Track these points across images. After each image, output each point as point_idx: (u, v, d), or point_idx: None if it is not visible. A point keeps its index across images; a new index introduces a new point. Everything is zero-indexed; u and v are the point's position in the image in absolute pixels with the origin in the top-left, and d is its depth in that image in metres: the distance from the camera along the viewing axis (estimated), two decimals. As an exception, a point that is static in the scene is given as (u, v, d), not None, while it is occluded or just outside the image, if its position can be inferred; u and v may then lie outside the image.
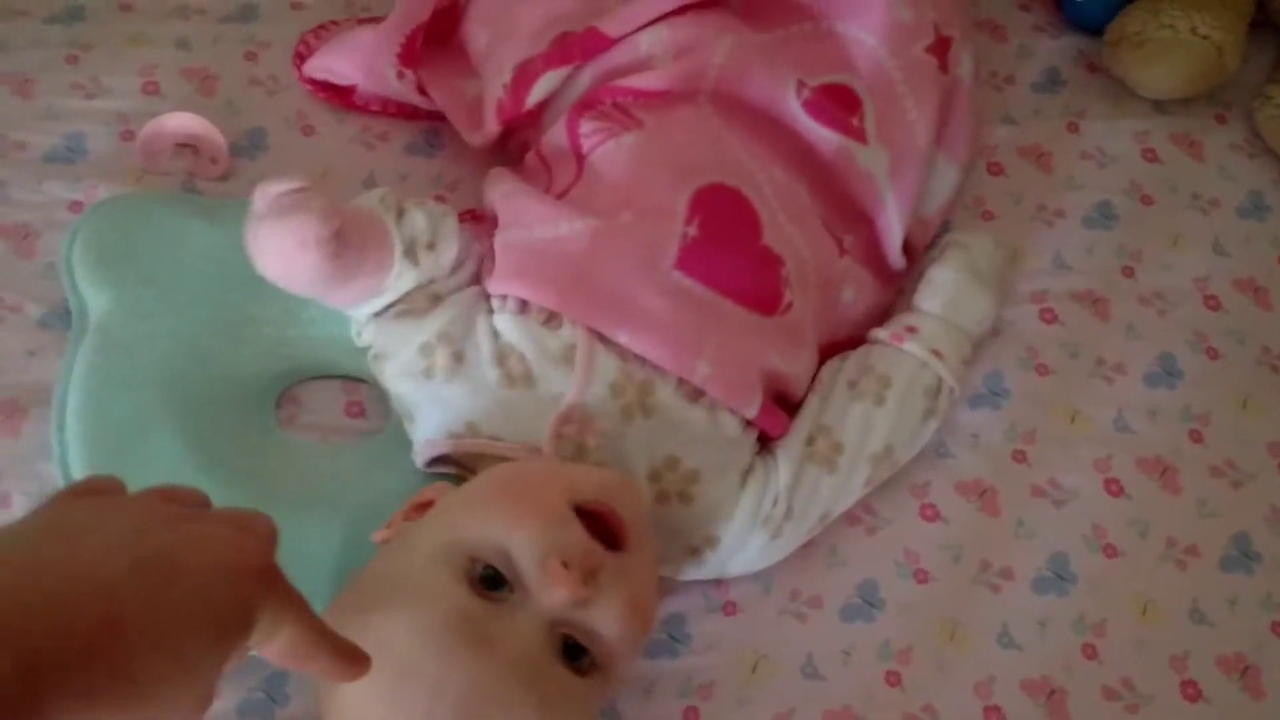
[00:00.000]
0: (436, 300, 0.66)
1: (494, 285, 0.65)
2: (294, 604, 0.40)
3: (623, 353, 0.64)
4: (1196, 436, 0.75)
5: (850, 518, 0.69)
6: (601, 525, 0.55)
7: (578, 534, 0.54)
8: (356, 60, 0.80)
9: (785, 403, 0.69)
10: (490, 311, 0.66)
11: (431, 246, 0.65)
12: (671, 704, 0.64)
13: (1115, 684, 0.66)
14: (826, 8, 0.75)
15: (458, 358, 0.64)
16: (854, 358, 0.71)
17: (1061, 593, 0.69)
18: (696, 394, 0.64)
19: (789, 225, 0.70)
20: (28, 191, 0.76)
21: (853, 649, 0.66)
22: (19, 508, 0.65)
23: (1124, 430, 0.75)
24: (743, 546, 0.65)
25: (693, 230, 0.66)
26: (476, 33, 0.80)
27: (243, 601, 0.37)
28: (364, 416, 0.72)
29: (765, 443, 0.69)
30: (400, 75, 0.79)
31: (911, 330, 0.71)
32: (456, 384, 0.64)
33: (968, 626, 0.67)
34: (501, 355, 0.64)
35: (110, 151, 0.78)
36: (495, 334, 0.65)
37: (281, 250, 0.59)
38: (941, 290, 0.73)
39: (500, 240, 0.67)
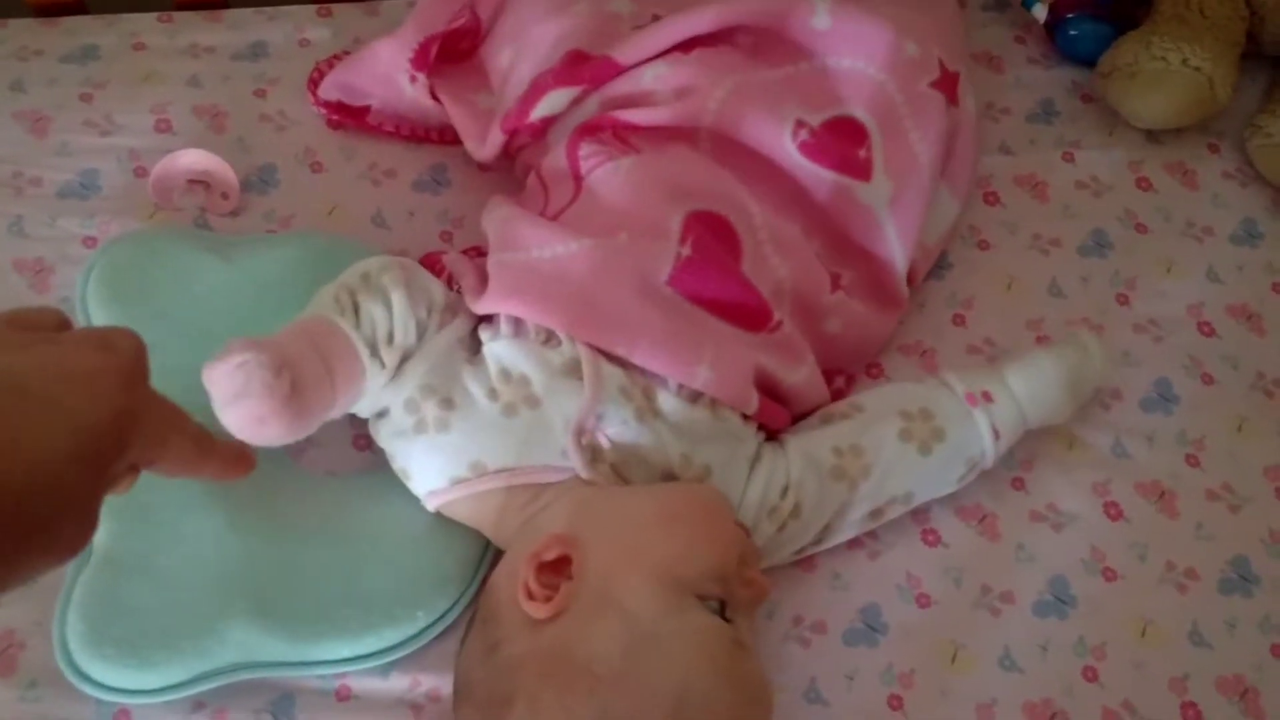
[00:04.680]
0: (408, 356, 0.65)
1: (486, 304, 0.66)
2: (168, 414, 0.40)
3: (623, 363, 0.65)
4: (1193, 461, 0.76)
5: (852, 542, 0.70)
6: None
7: (751, 543, 0.63)
8: (369, 70, 0.83)
9: (788, 407, 0.71)
10: (472, 350, 0.66)
11: (390, 339, 0.64)
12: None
13: (1116, 706, 0.67)
14: (833, 44, 0.77)
15: (447, 405, 0.64)
16: (915, 391, 0.71)
17: (1062, 615, 0.69)
18: (696, 395, 0.66)
19: (774, 257, 0.71)
20: (43, 227, 0.77)
21: (856, 673, 0.67)
22: (34, 538, 0.66)
23: (1121, 455, 0.76)
24: (755, 536, 0.65)
25: (686, 250, 0.68)
26: (499, 50, 0.82)
27: (108, 414, 0.36)
28: (371, 449, 0.73)
29: (774, 435, 0.70)
30: (413, 79, 0.81)
31: (987, 398, 0.70)
32: (453, 431, 0.64)
33: (969, 650, 0.68)
34: (499, 384, 0.64)
35: (123, 187, 0.80)
36: (488, 365, 0.65)
37: (245, 429, 0.58)
38: (1036, 380, 0.70)
39: (494, 261, 0.68)
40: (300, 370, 0.59)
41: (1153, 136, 0.90)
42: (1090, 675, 0.68)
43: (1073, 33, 0.92)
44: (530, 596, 0.57)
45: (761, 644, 0.67)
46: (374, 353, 0.63)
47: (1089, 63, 0.91)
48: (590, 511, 0.61)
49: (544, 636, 0.56)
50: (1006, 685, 0.67)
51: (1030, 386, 0.70)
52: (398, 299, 0.64)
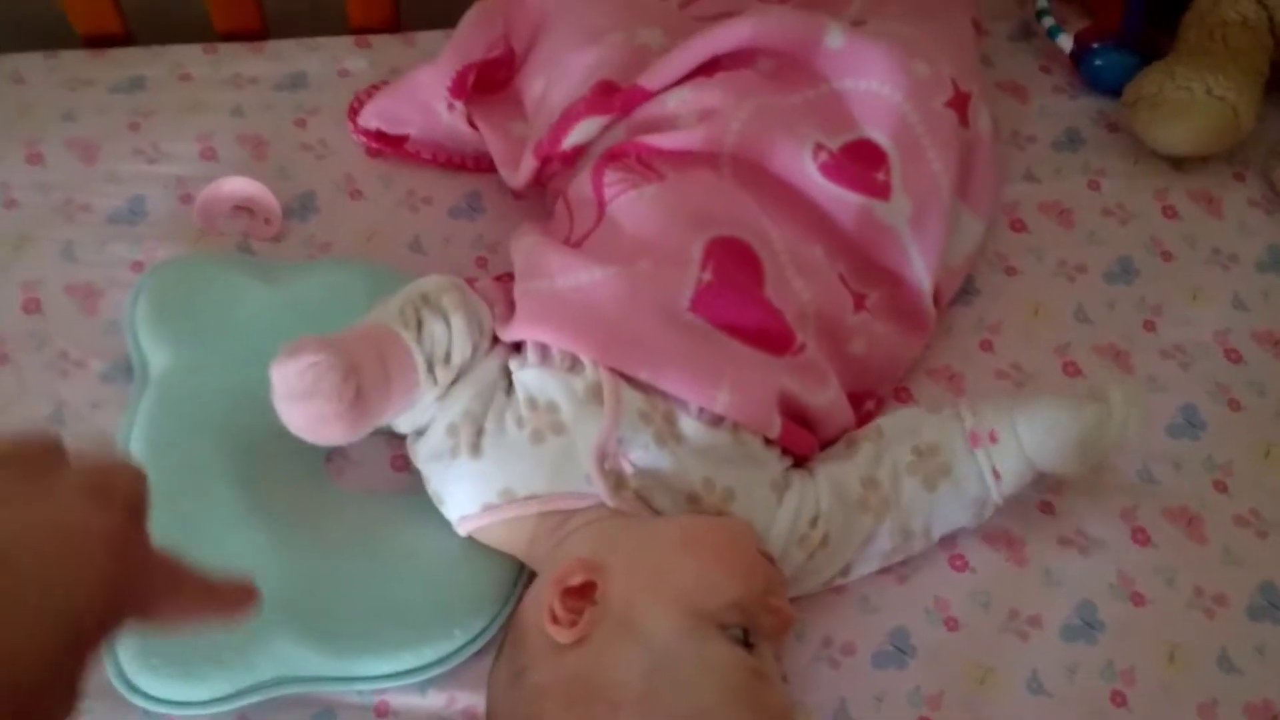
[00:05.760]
0: (458, 375, 0.67)
1: (513, 332, 0.68)
2: (167, 573, 0.36)
3: (645, 387, 0.66)
4: (1220, 487, 0.76)
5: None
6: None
7: (776, 571, 0.63)
8: (409, 98, 0.85)
9: (812, 431, 0.71)
10: (508, 379, 0.68)
11: (447, 359, 0.65)
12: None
13: (1144, 731, 0.67)
14: (847, 68, 0.78)
15: (481, 431, 0.66)
16: (929, 423, 0.70)
17: (1090, 640, 0.70)
18: (717, 419, 0.67)
19: (797, 280, 0.72)
20: (92, 252, 0.80)
21: (884, 695, 0.68)
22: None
23: (1148, 481, 0.76)
24: (783, 564, 0.66)
25: (707, 275, 0.69)
26: (533, 79, 0.84)
27: (99, 590, 0.33)
28: (408, 470, 0.74)
29: (802, 461, 0.71)
30: (450, 107, 0.83)
31: (992, 439, 0.69)
32: (484, 458, 0.66)
33: (998, 673, 0.69)
34: (526, 412, 0.66)
35: (169, 214, 0.82)
36: (517, 394, 0.66)
37: (307, 427, 0.61)
38: (1045, 432, 0.68)
39: (520, 289, 0.70)
40: (364, 378, 0.61)
41: (1178, 165, 0.91)
42: (1119, 700, 0.68)
43: (1098, 63, 0.94)
44: (555, 621, 0.58)
45: (791, 665, 0.68)
46: (430, 369, 0.65)
47: (1114, 92, 0.92)
48: (616, 537, 0.62)
49: (567, 662, 0.57)
50: (1034, 709, 0.67)
51: (1037, 437, 0.68)
52: (457, 320, 0.66)
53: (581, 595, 0.59)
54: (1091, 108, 0.95)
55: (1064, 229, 0.88)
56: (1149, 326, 0.83)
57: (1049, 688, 0.68)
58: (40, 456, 0.36)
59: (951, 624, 0.70)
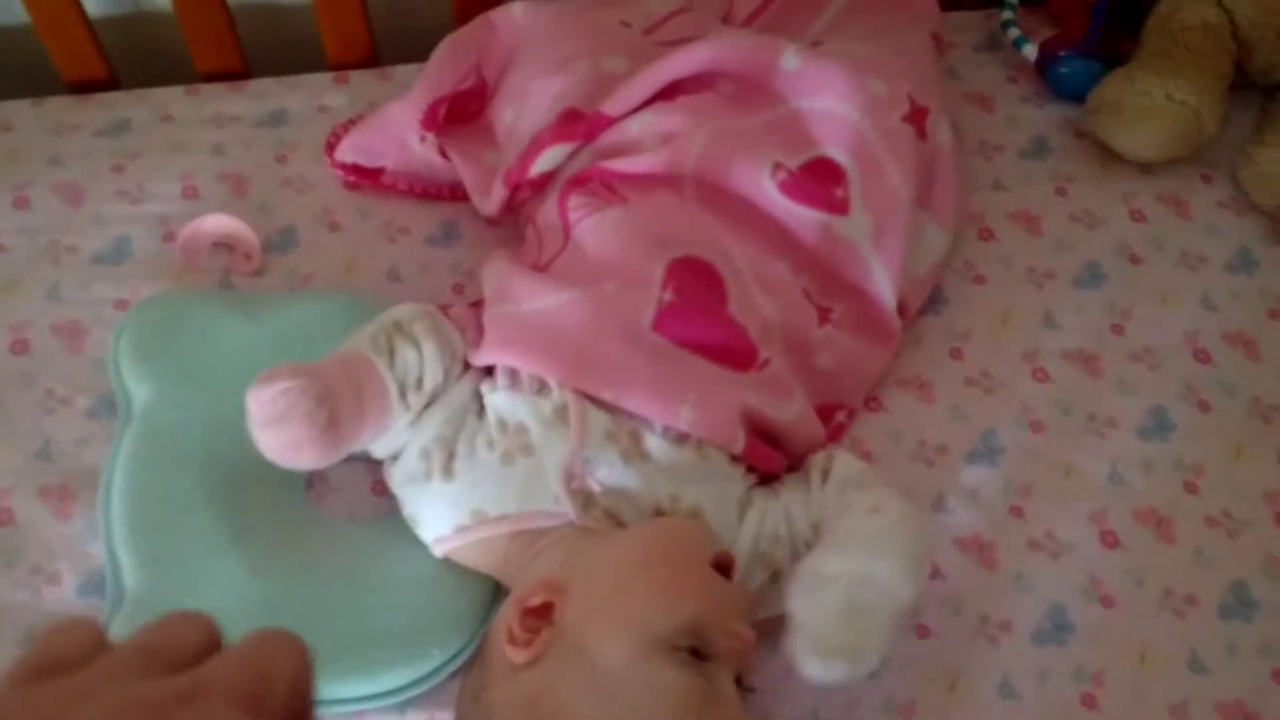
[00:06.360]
0: (430, 400, 0.69)
1: (481, 356, 0.70)
2: None
3: (611, 407, 0.68)
4: (1191, 487, 0.77)
5: (852, 575, 0.72)
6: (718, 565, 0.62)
7: (734, 590, 0.62)
8: (383, 131, 0.87)
9: (780, 447, 0.72)
10: (479, 402, 0.69)
11: (419, 384, 0.67)
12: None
13: (1116, 732, 0.68)
14: (804, 88, 0.80)
15: (453, 455, 0.68)
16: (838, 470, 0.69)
17: (1060, 643, 0.71)
18: (683, 437, 0.68)
19: (760, 296, 0.74)
20: (78, 291, 0.82)
21: (857, 703, 0.68)
22: (69, 585, 0.70)
23: (1119, 483, 0.77)
24: (746, 582, 0.67)
25: (668, 295, 0.71)
26: (504, 109, 0.86)
27: None
28: (388, 495, 0.76)
29: (770, 479, 0.72)
30: (423, 139, 0.85)
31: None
32: (456, 480, 0.67)
33: (969, 678, 0.69)
34: (497, 434, 0.67)
35: (153, 252, 0.85)
36: (489, 417, 0.68)
37: (282, 452, 0.62)
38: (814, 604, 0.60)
39: (489, 315, 0.72)
40: (338, 403, 0.63)
41: (1145, 169, 0.92)
42: (1090, 702, 0.69)
43: (1063, 70, 0.95)
44: (512, 641, 0.59)
45: (763, 673, 0.69)
46: (402, 395, 0.67)
47: (1080, 100, 0.93)
48: (579, 557, 0.63)
49: (520, 682, 0.58)
50: (1006, 713, 0.68)
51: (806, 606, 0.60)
52: (428, 347, 0.68)
53: (541, 615, 0.60)
54: (1058, 116, 0.96)
55: (1032, 236, 0.89)
56: (1118, 330, 0.84)
57: (1020, 692, 0.69)
58: (190, 646, 0.30)
59: (923, 631, 0.71)
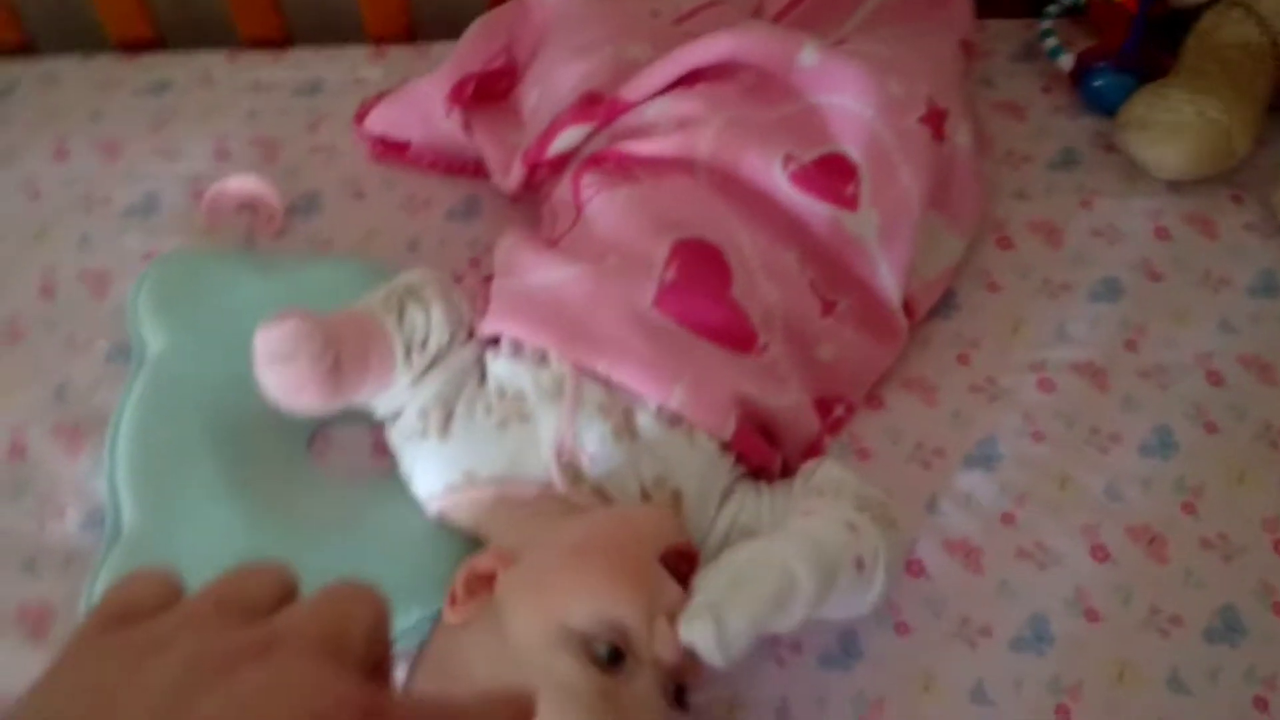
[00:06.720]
0: (433, 362, 0.70)
1: (486, 325, 0.71)
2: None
3: (606, 381, 0.69)
4: (1189, 508, 0.76)
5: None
6: (676, 559, 0.60)
7: (675, 591, 0.58)
8: (411, 106, 0.89)
9: (775, 439, 0.73)
10: (482, 369, 0.71)
11: (424, 345, 0.69)
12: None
13: (1088, 747, 0.67)
14: (821, 85, 0.80)
15: (451, 415, 0.69)
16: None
17: (1039, 653, 0.70)
18: (675, 419, 0.68)
19: (765, 283, 0.74)
20: (107, 241, 0.85)
21: (827, 698, 0.68)
22: (71, 520, 0.72)
23: (1115, 499, 0.76)
24: None
25: (670, 274, 0.72)
26: (530, 91, 0.88)
27: None
28: (389, 456, 0.78)
29: (761, 474, 0.72)
30: (447, 114, 0.87)
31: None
32: (451, 440, 0.69)
33: (943, 681, 0.69)
34: (495, 400, 0.69)
35: (182, 209, 0.87)
36: (489, 384, 0.70)
37: (283, 392, 0.64)
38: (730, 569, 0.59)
39: (496, 286, 0.73)
40: (343, 350, 0.65)
41: (1174, 187, 0.91)
42: (1063, 714, 0.68)
43: (1097, 83, 0.94)
44: (452, 601, 0.61)
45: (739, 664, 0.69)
46: (407, 353, 0.69)
47: (1113, 113, 0.92)
48: (542, 533, 0.64)
49: (445, 638, 0.60)
50: (977, 718, 0.68)
51: (726, 576, 0.59)
52: (436, 310, 0.70)
53: (484, 582, 0.61)
54: (1090, 128, 0.95)
55: (1052, 248, 0.88)
56: (1130, 346, 0.83)
57: (993, 697, 0.69)
58: (268, 594, 0.30)
59: (902, 629, 0.71)
